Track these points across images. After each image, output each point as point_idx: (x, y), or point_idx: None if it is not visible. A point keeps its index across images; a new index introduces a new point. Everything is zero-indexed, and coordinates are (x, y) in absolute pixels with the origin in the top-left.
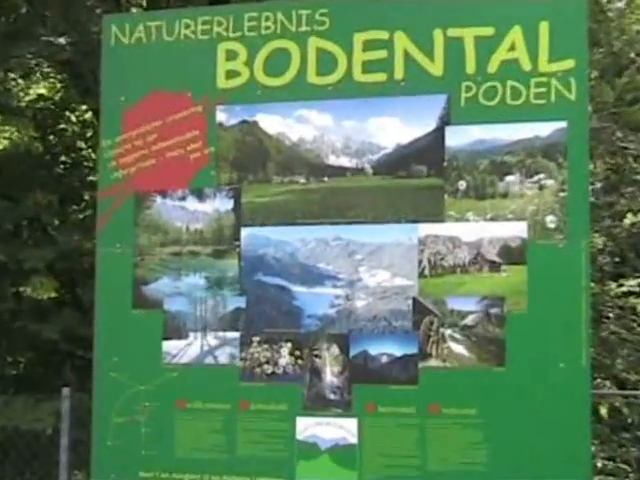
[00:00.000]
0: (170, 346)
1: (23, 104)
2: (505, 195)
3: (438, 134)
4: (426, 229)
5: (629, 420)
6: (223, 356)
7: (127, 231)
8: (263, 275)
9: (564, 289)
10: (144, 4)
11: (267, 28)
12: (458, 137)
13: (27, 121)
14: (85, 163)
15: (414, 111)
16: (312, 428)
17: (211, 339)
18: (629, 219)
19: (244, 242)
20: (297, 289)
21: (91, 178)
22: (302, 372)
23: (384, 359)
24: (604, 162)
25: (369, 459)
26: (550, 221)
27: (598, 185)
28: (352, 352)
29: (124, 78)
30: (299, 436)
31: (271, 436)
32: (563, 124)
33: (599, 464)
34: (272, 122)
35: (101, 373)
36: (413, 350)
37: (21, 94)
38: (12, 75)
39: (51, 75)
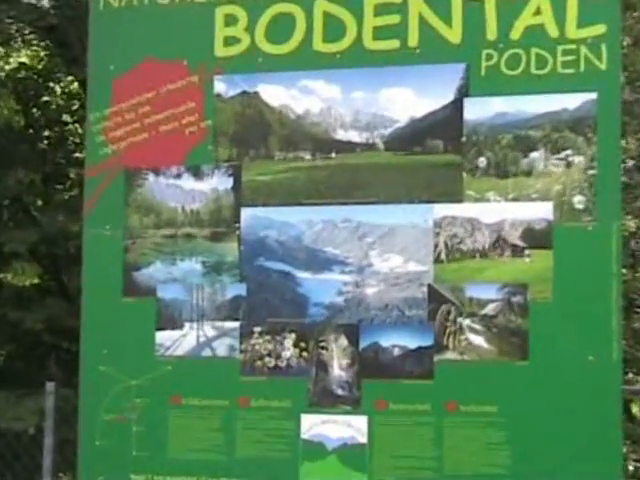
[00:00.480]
0: (164, 337)
1: (3, 74)
2: (529, 173)
3: (456, 106)
4: (442, 210)
5: None
6: (221, 348)
7: (117, 212)
8: (265, 260)
9: (593, 276)
10: None
11: None
12: (478, 110)
13: (7, 92)
14: (71, 138)
15: (430, 81)
16: (318, 427)
17: (208, 330)
18: None
19: (244, 224)
20: (302, 275)
21: (77, 155)
22: (307, 366)
23: (397, 352)
24: (637, 138)
25: (380, 461)
26: (578, 201)
27: (630, 163)
28: (362, 344)
29: (114, 45)
30: (304, 435)
31: (273, 435)
32: (593, 95)
33: (631, 467)
34: (275, 93)
35: (88, 367)
36: (428, 342)
37: (0, 63)
38: None
39: (34, 42)
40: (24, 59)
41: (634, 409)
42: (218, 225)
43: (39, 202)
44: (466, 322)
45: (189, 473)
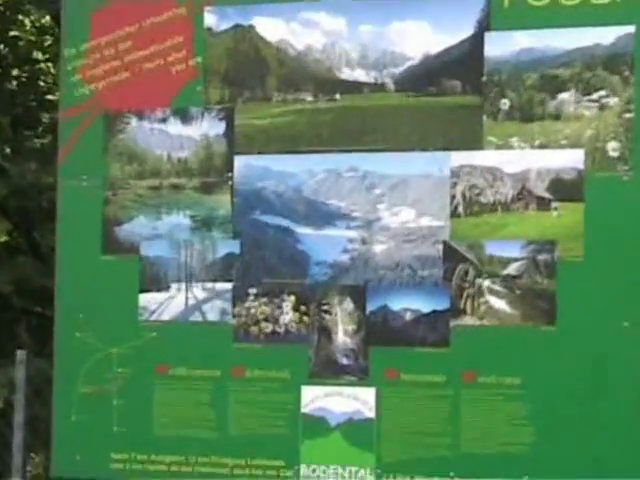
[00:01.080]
0: (148, 300)
1: None
2: (557, 117)
3: (476, 42)
4: (460, 158)
5: None
6: (212, 312)
7: (95, 160)
8: (261, 214)
9: (629, 231)
10: None
11: None
12: (500, 45)
13: None
14: (43, 78)
15: (446, 14)
16: (320, 400)
17: (198, 291)
18: None
19: (238, 174)
20: (302, 231)
21: (50, 96)
22: (308, 332)
23: (408, 316)
24: None
25: (389, 438)
26: (612, 149)
27: None
28: (369, 307)
29: None
30: (304, 409)
31: (270, 409)
32: (630, 29)
33: None
34: (272, 27)
35: (64, 333)
36: (444, 305)
37: None
38: None
39: None
40: None
41: None
42: (208, 175)
43: (7, 150)
44: (486, 283)
45: (176, 451)
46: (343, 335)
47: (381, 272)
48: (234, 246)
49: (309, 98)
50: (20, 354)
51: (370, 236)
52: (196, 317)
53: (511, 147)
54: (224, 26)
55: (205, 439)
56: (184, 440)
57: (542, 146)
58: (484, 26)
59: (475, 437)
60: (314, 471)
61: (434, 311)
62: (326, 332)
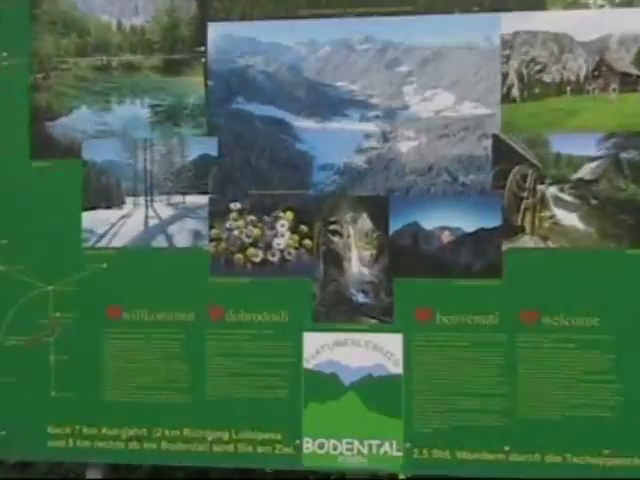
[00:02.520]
0: (95, 220)
1: None
2: None
3: None
4: (515, 22)
5: None
6: (182, 235)
7: (20, 31)
8: (246, 102)
9: None
10: None
11: None
12: None
13: None
14: None
15: None
16: (329, 351)
17: (162, 208)
18: None
19: (213, 48)
20: (302, 124)
21: None
22: (312, 260)
23: (446, 237)
24: None
25: (422, 401)
26: None
27: None
28: (393, 226)
29: None
30: (308, 364)
31: (261, 365)
32: None
33: None
34: None
35: None
36: (494, 222)
37: None
38: None
39: None
40: None
41: None
42: (173, 50)
43: None
44: (551, 191)
45: (135, 422)
46: (358, 263)
47: (409, 178)
48: (210, 145)
49: None
50: None
51: (393, 130)
52: (160, 242)
53: (584, 6)
54: None
55: (175, 405)
56: (146, 407)
57: (626, 3)
58: None
59: (537, 397)
60: (321, 446)
61: (481, 230)
62: (335, 260)
